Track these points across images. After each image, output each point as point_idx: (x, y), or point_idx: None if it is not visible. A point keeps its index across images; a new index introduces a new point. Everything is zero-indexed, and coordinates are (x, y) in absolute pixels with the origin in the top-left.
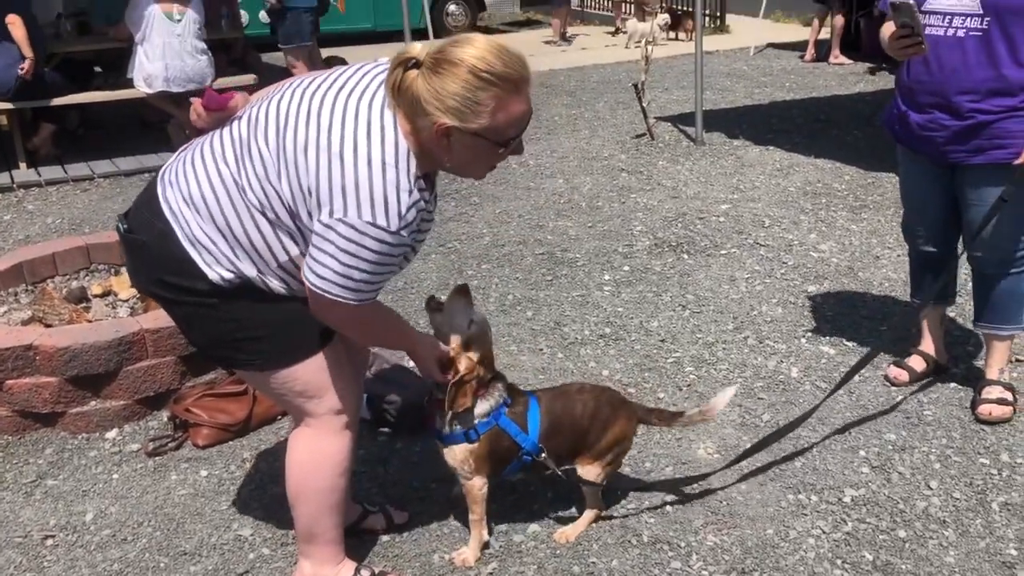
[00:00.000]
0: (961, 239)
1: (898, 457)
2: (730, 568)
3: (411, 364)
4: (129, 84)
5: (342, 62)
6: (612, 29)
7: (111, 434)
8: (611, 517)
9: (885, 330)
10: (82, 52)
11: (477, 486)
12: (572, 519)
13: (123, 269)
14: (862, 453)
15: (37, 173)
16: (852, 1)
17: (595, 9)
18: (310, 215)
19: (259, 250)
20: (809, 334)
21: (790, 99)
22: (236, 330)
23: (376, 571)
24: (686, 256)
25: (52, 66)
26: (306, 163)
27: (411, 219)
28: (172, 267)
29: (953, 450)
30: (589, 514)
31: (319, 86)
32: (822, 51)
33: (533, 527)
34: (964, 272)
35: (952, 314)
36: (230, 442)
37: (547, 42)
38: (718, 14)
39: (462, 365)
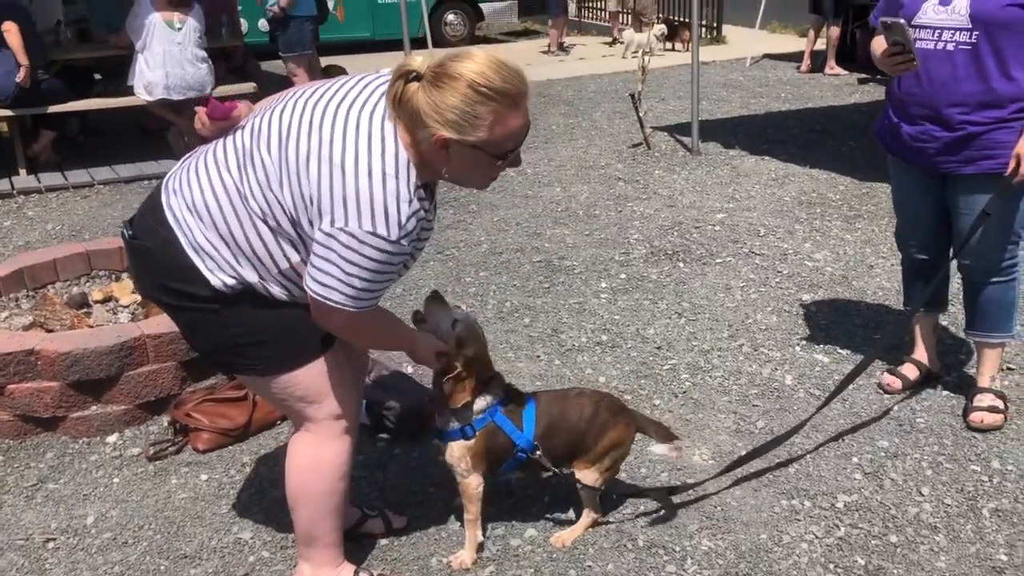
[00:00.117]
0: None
1: (891, 464)
2: (724, 572)
3: (410, 370)
4: (129, 91)
5: (341, 71)
6: (609, 39)
7: (112, 438)
8: (607, 522)
9: (879, 338)
10: (82, 59)
11: (473, 484)
12: (569, 523)
13: (124, 275)
14: (855, 459)
15: (37, 179)
16: (848, 12)
17: (592, 20)
18: (311, 223)
19: (260, 257)
20: (803, 342)
21: (786, 109)
22: (238, 336)
23: (375, 574)
24: (682, 264)
25: (52, 73)
26: (307, 173)
27: (411, 228)
28: (176, 273)
29: (945, 457)
30: (586, 519)
31: (321, 97)
32: (818, 62)
33: (530, 531)
34: (957, 281)
35: (945, 323)
36: (230, 447)
37: (544, 52)
38: (714, 25)
39: (457, 361)
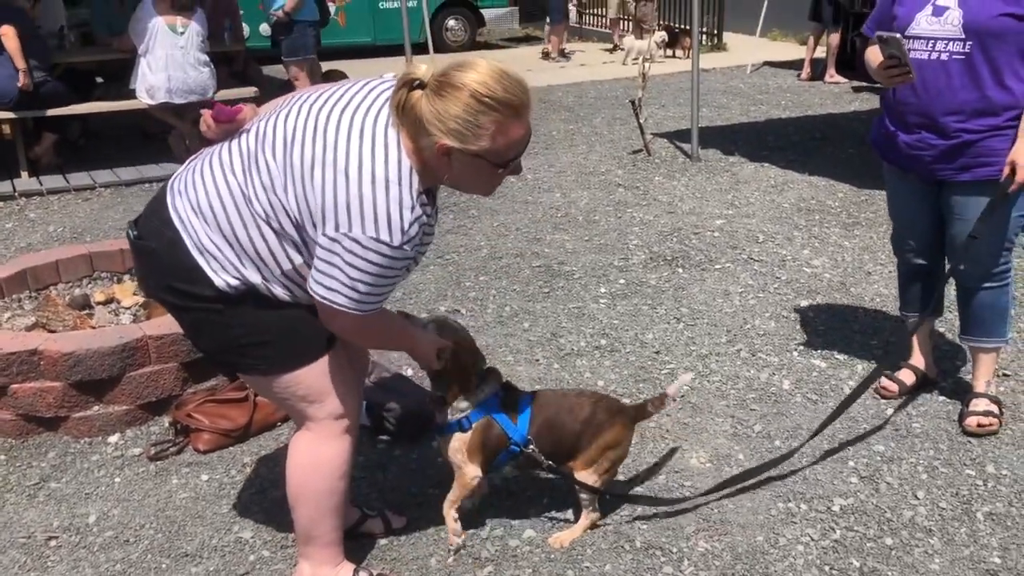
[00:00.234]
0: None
1: (886, 468)
2: (720, 573)
3: (410, 372)
4: (131, 95)
5: (342, 75)
6: (610, 46)
7: (113, 438)
8: (605, 523)
9: (876, 344)
10: (85, 63)
11: (469, 475)
12: (567, 524)
13: (126, 277)
14: (851, 464)
15: (39, 182)
16: (848, 20)
17: (593, 26)
18: (315, 227)
19: (264, 258)
20: (801, 347)
21: (786, 117)
22: (242, 336)
23: (374, 573)
24: (681, 270)
25: (55, 76)
26: (312, 179)
27: (413, 234)
28: (181, 274)
29: (940, 461)
30: (584, 520)
31: (326, 102)
32: (818, 70)
33: (529, 532)
34: (952, 287)
35: (941, 329)
36: (231, 447)
37: (542, 56)
38: (715, 32)
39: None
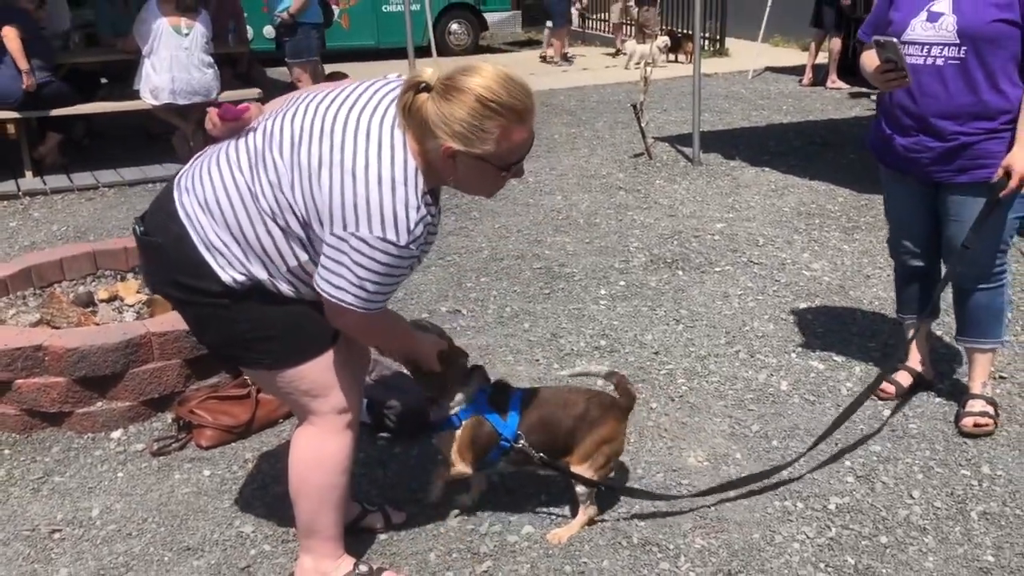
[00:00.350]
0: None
1: (882, 468)
2: (716, 570)
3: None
4: (135, 95)
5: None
6: (613, 50)
7: (116, 434)
8: (602, 520)
9: (874, 346)
10: (89, 63)
11: (459, 470)
12: (566, 521)
13: (129, 275)
14: (848, 463)
15: (43, 182)
16: (849, 26)
17: (596, 31)
18: (322, 226)
19: (270, 255)
20: (799, 349)
21: (787, 122)
22: (247, 330)
23: (374, 567)
24: (681, 273)
25: (60, 77)
26: (319, 179)
27: (419, 233)
28: (187, 269)
29: (936, 462)
30: (582, 517)
31: (332, 102)
32: (820, 75)
33: (527, 528)
34: (949, 289)
35: (939, 332)
36: (233, 443)
37: (541, 59)
38: (718, 37)
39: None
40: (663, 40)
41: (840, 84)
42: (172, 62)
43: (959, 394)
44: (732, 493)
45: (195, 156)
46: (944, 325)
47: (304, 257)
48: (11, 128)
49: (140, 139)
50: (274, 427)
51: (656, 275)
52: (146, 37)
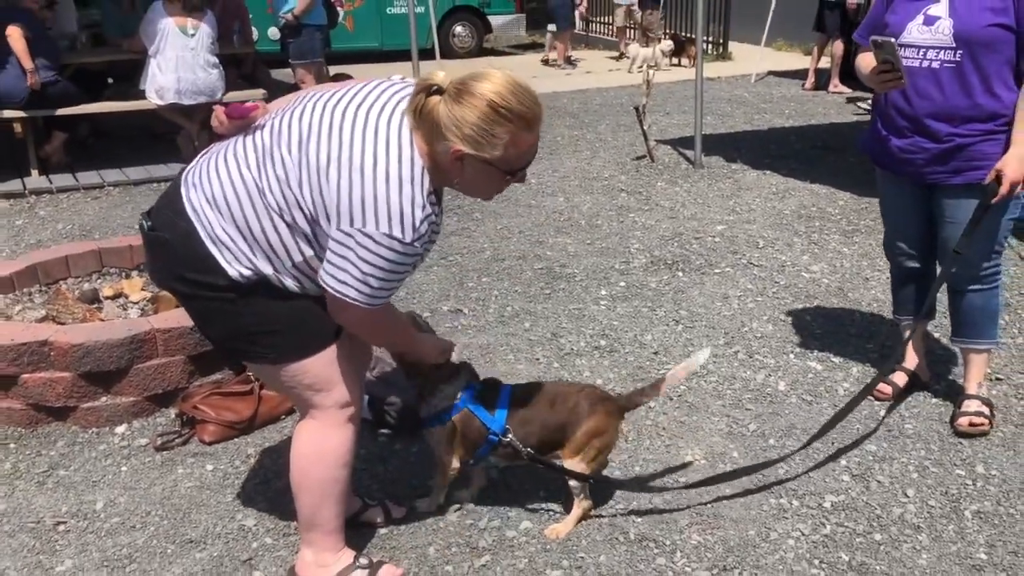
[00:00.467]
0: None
1: (878, 467)
2: (712, 565)
3: None
4: (140, 95)
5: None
6: (616, 54)
7: (120, 429)
8: (600, 516)
9: (871, 347)
10: (95, 63)
11: (449, 464)
12: (564, 517)
13: (134, 273)
14: (843, 462)
15: (48, 180)
16: (851, 30)
17: (600, 34)
18: (329, 222)
19: (276, 250)
20: (798, 350)
21: (789, 126)
22: (252, 325)
23: (374, 560)
24: (681, 274)
25: (66, 76)
26: (327, 175)
27: (424, 231)
28: (194, 264)
29: (931, 461)
30: (577, 511)
31: (340, 100)
32: (822, 80)
33: (525, 523)
34: (944, 290)
35: (937, 334)
36: (235, 439)
37: (543, 63)
38: (721, 42)
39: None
40: (667, 44)
41: (842, 88)
42: (178, 62)
43: (955, 395)
44: (727, 490)
45: (201, 153)
46: (942, 327)
47: (309, 252)
48: (17, 127)
49: (145, 139)
50: (276, 423)
51: (656, 276)
52: (152, 38)
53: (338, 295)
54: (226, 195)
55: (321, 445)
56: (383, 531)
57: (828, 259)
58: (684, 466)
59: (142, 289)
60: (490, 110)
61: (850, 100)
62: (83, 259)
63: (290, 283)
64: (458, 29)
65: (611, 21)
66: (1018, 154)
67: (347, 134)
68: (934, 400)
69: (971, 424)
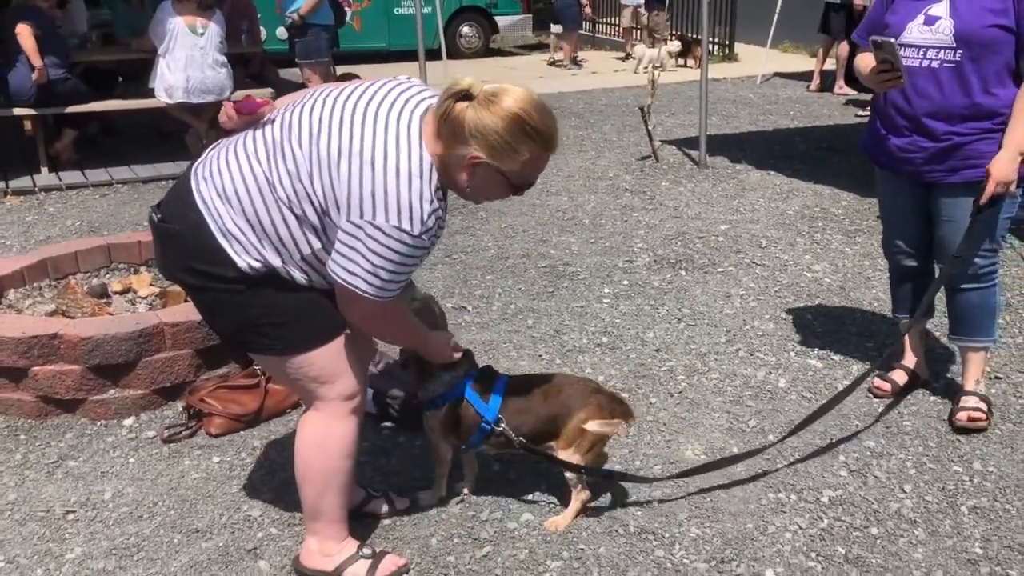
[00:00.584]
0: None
1: (876, 462)
2: (710, 557)
3: None
4: (149, 93)
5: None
6: (622, 55)
7: (128, 421)
8: (599, 508)
9: (872, 346)
10: (105, 62)
11: (442, 450)
12: (564, 509)
13: (142, 268)
14: (841, 458)
15: (58, 177)
16: None
17: (606, 35)
18: (339, 213)
19: (284, 242)
20: (798, 348)
21: (793, 127)
22: (260, 316)
23: (377, 550)
24: (684, 273)
25: (77, 74)
26: (339, 168)
27: (431, 225)
28: (204, 256)
29: (929, 458)
30: (576, 503)
31: (349, 96)
32: (827, 81)
33: (526, 515)
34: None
35: (937, 333)
36: (242, 432)
37: (551, 63)
38: (727, 43)
39: None
40: (674, 45)
41: (848, 90)
42: (187, 61)
43: (953, 392)
44: (725, 483)
45: (210, 147)
46: (942, 327)
47: (317, 245)
48: (28, 125)
49: (154, 137)
50: (282, 416)
51: (659, 275)
52: (162, 37)
53: (348, 286)
54: (236, 188)
55: (325, 436)
56: (386, 522)
57: (830, 259)
58: (684, 462)
59: (150, 284)
60: (517, 126)
61: (848, 103)
62: (92, 254)
63: (298, 275)
64: (465, 29)
65: (617, 22)
66: (1006, 155)
67: (358, 129)
68: (933, 398)
69: (970, 419)
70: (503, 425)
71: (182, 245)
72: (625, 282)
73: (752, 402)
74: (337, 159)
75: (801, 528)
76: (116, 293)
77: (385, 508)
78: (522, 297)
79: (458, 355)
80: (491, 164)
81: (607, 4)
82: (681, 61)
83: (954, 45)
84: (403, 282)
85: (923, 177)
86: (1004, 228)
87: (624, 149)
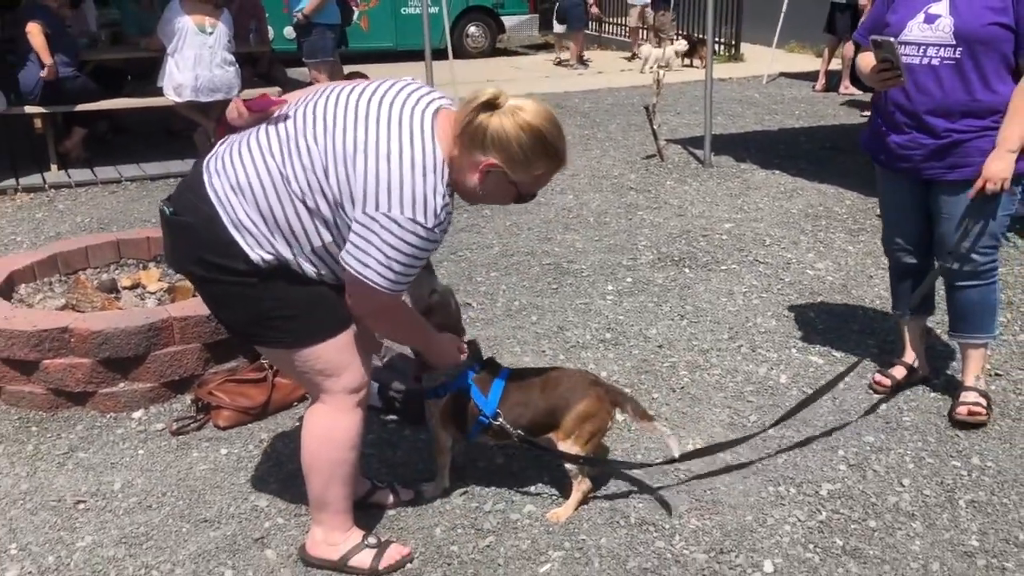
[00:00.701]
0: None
1: (875, 457)
2: (710, 548)
3: None
4: (158, 92)
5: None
6: (629, 54)
7: (137, 414)
8: (601, 500)
9: (873, 343)
10: (114, 60)
11: (441, 439)
12: (566, 501)
13: (151, 264)
14: (841, 452)
15: (68, 175)
16: None
17: (613, 35)
18: (353, 206)
19: (296, 234)
20: (800, 344)
21: (799, 126)
22: (271, 309)
23: (382, 540)
24: (687, 270)
25: (86, 72)
26: (355, 162)
27: (443, 218)
28: (216, 248)
29: (927, 452)
30: (577, 494)
31: (361, 93)
32: (833, 81)
33: (529, 507)
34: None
35: (938, 331)
36: (249, 424)
37: (557, 63)
38: (733, 43)
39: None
40: (681, 44)
41: (853, 90)
42: (196, 60)
43: (953, 389)
44: (727, 477)
45: (219, 142)
46: (943, 324)
47: (328, 238)
48: (38, 123)
49: (162, 135)
50: (289, 409)
51: (663, 272)
52: (171, 36)
53: (361, 278)
54: (251, 181)
55: (331, 429)
56: (391, 512)
57: (833, 257)
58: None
59: (159, 280)
60: (539, 142)
61: (846, 103)
62: (102, 250)
63: (308, 268)
64: (472, 29)
65: (624, 22)
66: (998, 152)
67: (372, 124)
68: (932, 394)
69: (969, 413)
70: (501, 419)
71: (194, 237)
72: (629, 279)
73: (753, 398)
74: (353, 153)
75: (800, 520)
76: (125, 288)
77: (390, 499)
78: (526, 294)
79: (463, 357)
80: (505, 172)
81: (614, 4)
82: (688, 61)
83: (954, 43)
84: (413, 276)
85: (922, 174)
86: (1003, 225)
87: (629, 148)
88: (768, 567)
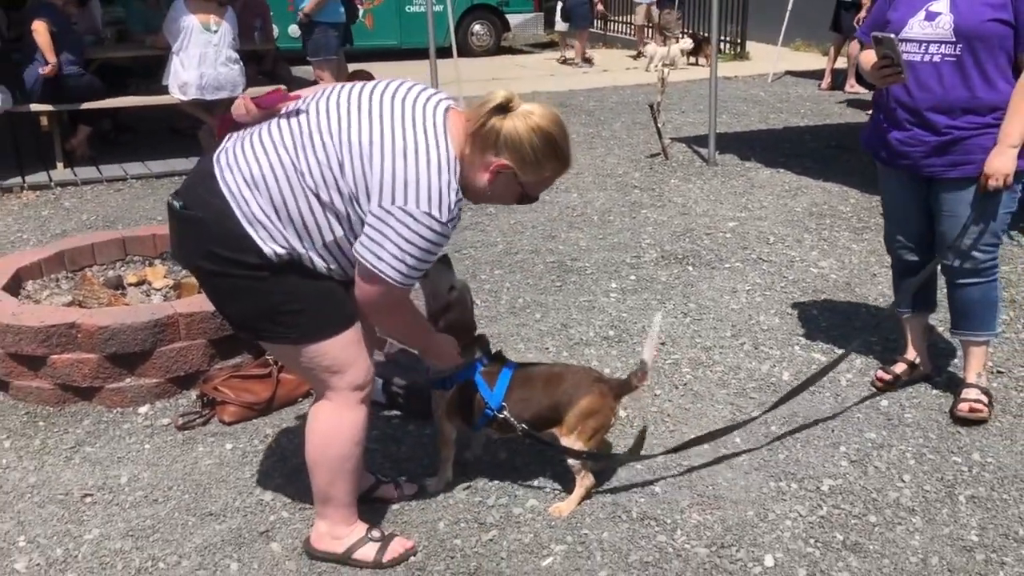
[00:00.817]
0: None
1: (876, 453)
2: (711, 543)
3: None
4: (163, 90)
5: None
6: (634, 53)
7: (144, 409)
8: (603, 494)
9: (876, 340)
10: (119, 59)
11: (446, 430)
12: (569, 496)
13: (157, 261)
14: (842, 448)
15: (73, 173)
16: None
17: (618, 33)
18: (368, 200)
19: (308, 228)
20: (803, 342)
21: (804, 125)
22: (281, 303)
23: (386, 534)
24: (691, 268)
25: (92, 70)
26: (371, 157)
27: (456, 213)
28: (228, 242)
29: (928, 449)
30: (579, 489)
31: (372, 90)
32: (839, 80)
33: (532, 501)
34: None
35: (940, 329)
36: (254, 420)
37: (562, 62)
38: (738, 41)
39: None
40: (686, 42)
41: (859, 88)
42: (200, 58)
43: (955, 386)
44: (729, 472)
45: (227, 138)
46: (945, 321)
47: (339, 232)
48: (44, 121)
49: (167, 133)
50: (293, 405)
51: (667, 270)
52: (176, 35)
53: (374, 270)
54: (264, 175)
55: (335, 425)
56: (395, 507)
57: (837, 255)
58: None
59: (165, 276)
60: (549, 146)
61: (845, 103)
62: (108, 247)
63: (319, 262)
64: (476, 27)
65: (630, 20)
66: (1000, 149)
67: (387, 120)
68: (934, 391)
69: (971, 409)
70: (506, 412)
71: (205, 232)
72: (632, 277)
73: (756, 394)
74: (369, 148)
75: (801, 515)
76: (131, 285)
77: (394, 493)
78: (530, 292)
79: (460, 362)
80: (515, 173)
81: (619, 2)
82: (693, 59)
83: (954, 39)
84: (424, 270)
85: (922, 171)
86: (1004, 223)
87: (634, 147)
88: (769, 561)
